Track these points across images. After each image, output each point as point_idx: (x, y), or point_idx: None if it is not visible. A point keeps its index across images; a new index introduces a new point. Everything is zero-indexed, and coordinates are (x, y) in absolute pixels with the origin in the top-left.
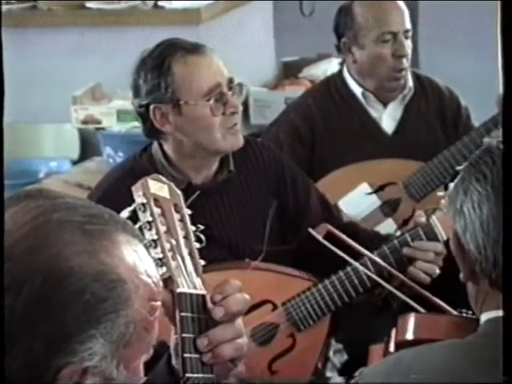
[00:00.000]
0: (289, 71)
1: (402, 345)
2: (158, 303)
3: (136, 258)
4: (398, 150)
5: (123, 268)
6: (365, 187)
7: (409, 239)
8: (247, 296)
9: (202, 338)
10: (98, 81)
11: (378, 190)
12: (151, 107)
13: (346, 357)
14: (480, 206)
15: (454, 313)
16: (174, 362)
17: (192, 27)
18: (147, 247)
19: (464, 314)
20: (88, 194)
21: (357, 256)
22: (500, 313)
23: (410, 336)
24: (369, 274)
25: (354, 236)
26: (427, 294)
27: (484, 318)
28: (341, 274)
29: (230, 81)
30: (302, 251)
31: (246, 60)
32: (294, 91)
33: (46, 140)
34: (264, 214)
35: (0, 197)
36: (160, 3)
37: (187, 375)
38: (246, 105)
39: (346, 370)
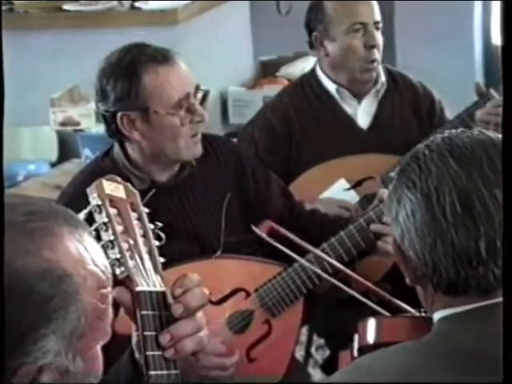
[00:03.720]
0: (267, 70)
1: (364, 349)
2: (109, 289)
3: (81, 249)
4: (374, 144)
5: (68, 262)
6: (342, 183)
7: (374, 217)
8: (206, 290)
9: (163, 334)
10: (76, 83)
11: (355, 185)
12: (119, 114)
13: (328, 352)
14: (413, 213)
15: (413, 312)
16: (136, 355)
17: (169, 28)
18: (104, 248)
19: (423, 314)
20: (56, 200)
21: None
22: (448, 311)
23: (371, 340)
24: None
25: (318, 222)
26: (385, 294)
27: (436, 317)
28: (309, 256)
29: (197, 88)
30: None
31: (223, 60)
32: (272, 90)
33: (25, 143)
34: (227, 206)
35: (0, 197)
36: (137, 4)
37: (151, 373)
38: (224, 104)
39: (328, 366)
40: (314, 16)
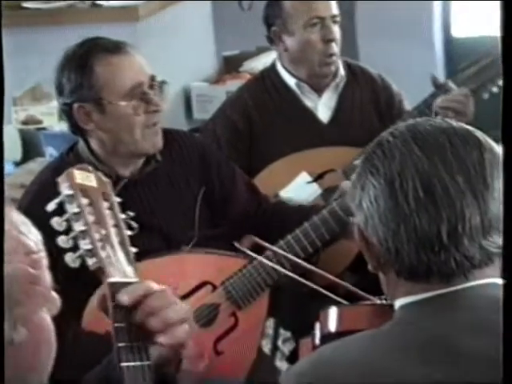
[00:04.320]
0: (229, 65)
1: (325, 338)
2: (40, 255)
3: (8, 221)
4: (335, 138)
5: None
6: (304, 176)
7: (337, 208)
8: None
9: (154, 317)
10: (38, 81)
11: (317, 178)
12: (75, 106)
13: (294, 345)
14: (377, 199)
15: (375, 300)
16: None
17: (130, 24)
18: (76, 239)
19: (384, 301)
20: (20, 198)
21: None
22: (410, 299)
23: (332, 328)
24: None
25: (283, 214)
26: (346, 284)
27: (397, 304)
28: (274, 249)
29: (152, 79)
30: (234, 234)
31: (186, 56)
32: (235, 85)
33: None
34: (192, 201)
35: (0, 196)
36: (98, 1)
37: (123, 364)
38: (188, 100)
39: (295, 359)
40: (272, 11)
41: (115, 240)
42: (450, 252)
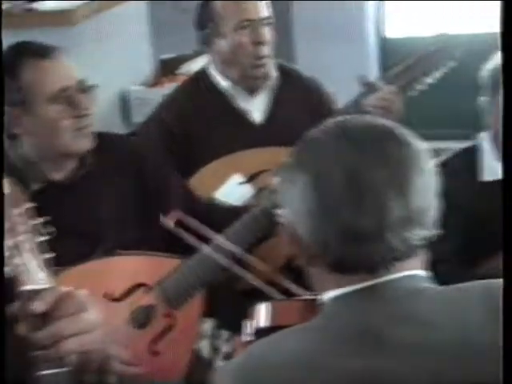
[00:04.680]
0: (167, 68)
1: (258, 334)
2: None
3: None
4: (269, 138)
5: None
6: (237, 178)
7: (268, 206)
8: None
9: (44, 331)
10: None
11: (250, 179)
12: (5, 109)
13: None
14: (304, 194)
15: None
16: None
17: (66, 29)
18: None
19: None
20: None
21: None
22: (337, 292)
23: (264, 324)
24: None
25: (215, 213)
26: (281, 278)
27: (325, 297)
28: (208, 247)
29: (81, 83)
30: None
31: (123, 59)
32: (173, 88)
33: None
34: (126, 204)
35: (0, 196)
36: (32, 5)
37: (40, 373)
38: (126, 104)
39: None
40: (204, 13)
41: (28, 246)
42: (374, 245)
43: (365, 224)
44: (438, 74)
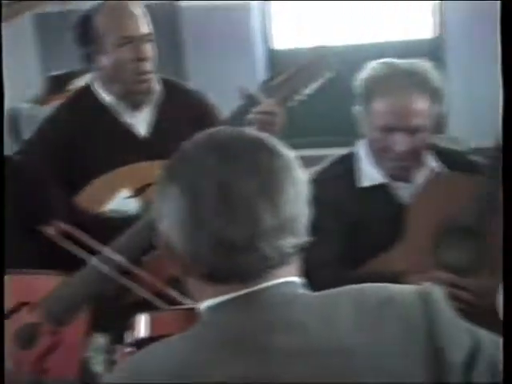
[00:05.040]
0: (56, 85)
1: (139, 344)
2: None
3: None
4: (154, 152)
5: None
6: (124, 192)
7: (149, 219)
8: None
9: None
10: None
11: (137, 192)
12: None
13: None
14: (176, 205)
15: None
16: None
17: None
18: None
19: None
20: None
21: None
22: (213, 301)
23: (145, 334)
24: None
25: (101, 224)
26: (163, 287)
27: (203, 307)
28: (92, 263)
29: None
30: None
31: (12, 77)
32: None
33: None
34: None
35: (0, 196)
36: None
37: None
38: (16, 121)
39: None
40: (85, 31)
41: None
42: (246, 254)
43: (237, 234)
44: (316, 85)
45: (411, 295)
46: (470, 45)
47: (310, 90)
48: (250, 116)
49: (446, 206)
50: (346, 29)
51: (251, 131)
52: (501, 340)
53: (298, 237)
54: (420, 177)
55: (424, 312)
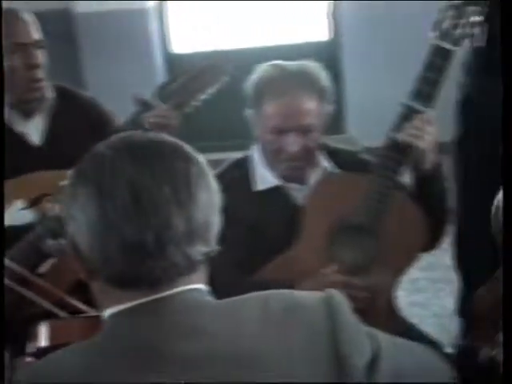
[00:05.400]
0: None
1: (38, 354)
2: None
3: None
4: (49, 161)
5: None
6: (18, 203)
7: (42, 231)
8: None
9: None
10: None
11: (32, 203)
12: None
13: None
14: (86, 208)
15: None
16: None
17: None
18: None
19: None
20: None
21: None
22: (118, 308)
23: (45, 343)
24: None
25: None
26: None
27: (107, 313)
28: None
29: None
30: None
31: None
32: None
33: None
34: None
35: (0, 195)
36: None
37: None
38: None
39: None
40: None
41: None
42: (156, 259)
43: (147, 239)
44: (212, 90)
45: (316, 301)
46: (366, 46)
47: (206, 94)
48: (145, 121)
49: (339, 205)
50: (242, 32)
51: (165, 136)
52: (400, 340)
53: (208, 245)
54: (313, 177)
55: (328, 318)
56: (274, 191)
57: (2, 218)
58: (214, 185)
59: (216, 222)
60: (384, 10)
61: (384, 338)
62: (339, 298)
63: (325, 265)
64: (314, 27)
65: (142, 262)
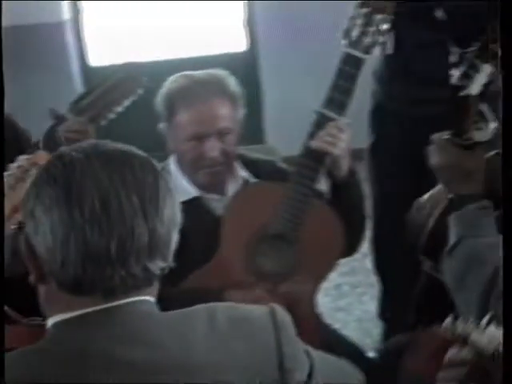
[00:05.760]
0: None
1: None
2: None
3: None
4: None
5: None
6: None
7: None
8: None
9: None
10: None
11: None
12: None
13: None
14: (51, 208)
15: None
16: None
17: None
18: None
19: (38, 321)
20: None
21: None
22: (68, 315)
23: None
24: None
25: None
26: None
27: (51, 322)
28: None
29: None
30: None
31: None
32: None
33: None
34: None
35: (0, 194)
36: None
37: None
38: None
39: None
40: None
41: None
42: (115, 268)
43: (110, 247)
44: (128, 102)
45: (261, 315)
46: (282, 56)
47: (121, 107)
48: (59, 135)
49: (258, 214)
50: (159, 44)
51: (136, 149)
52: (325, 356)
53: (166, 260)
54: (232, 188)
55: (273, 332)
56: (194, 202)
57: (3, 219)
58: (177, 202)
59: (175, 238)
60: (299, 19)
61: (314, 353)
62: (283, 313)
63: (246, 275)
64: (231, 38)
65: (100, 269)
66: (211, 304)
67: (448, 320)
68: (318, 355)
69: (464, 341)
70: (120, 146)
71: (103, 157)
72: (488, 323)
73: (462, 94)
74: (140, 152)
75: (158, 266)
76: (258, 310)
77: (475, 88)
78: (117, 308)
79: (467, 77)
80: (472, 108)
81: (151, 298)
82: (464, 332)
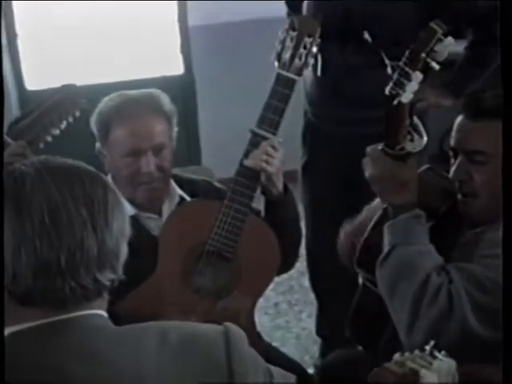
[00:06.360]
0: None
1: None
2: None
3: None
4: None
5: None
6: None
7: None
8: None
9: None
10: None
11: None
12: None
13: None
14: (6, 222)
15: None
16: None
17: None
18: None
19: None
20: None
21: None
22: (20, 326)
23: None
24: None
25: None
26: None
27: (7, 332)
28: None
29: None
30: None
31: None
32: None
33: None
34: None
35: (0, 194)
36: None
37: None
38: None
39: None
40: None
41: None
42: (65, 280)
43: (60, 258)
44: (64, 123)
45: (214, 334)
46: (218, 79)
47: (59, 128)
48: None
49: (194, 232)
50: (95, 67)
51: (85, 164)
52: (283, 372)
53: (116, 272)
54: (168, 207)
55: (225, 351)
56: (130, 222)
57: (2, 218)
58: (126, 215)
59: (124, 251)
60: (233, 42)
61: (273, 369)
62: (237, 331)
63: (184, 292)
64: (168, 62)
65: (51, 280)
66: (164, 322)
67: (396, 356)
68: (278, 373)
69: (414, 376)
70: (70, 161)
71: (53, 171)
72: (431, 353)
73: (394, 102)
74: (89, 167)
75: (107, 277)
76: (211, 329)
77: (407, 96)
78: (69, 321)
79: (399, 85)
80: (404, 117)
81: (103, 312)
82: (413, 368)
